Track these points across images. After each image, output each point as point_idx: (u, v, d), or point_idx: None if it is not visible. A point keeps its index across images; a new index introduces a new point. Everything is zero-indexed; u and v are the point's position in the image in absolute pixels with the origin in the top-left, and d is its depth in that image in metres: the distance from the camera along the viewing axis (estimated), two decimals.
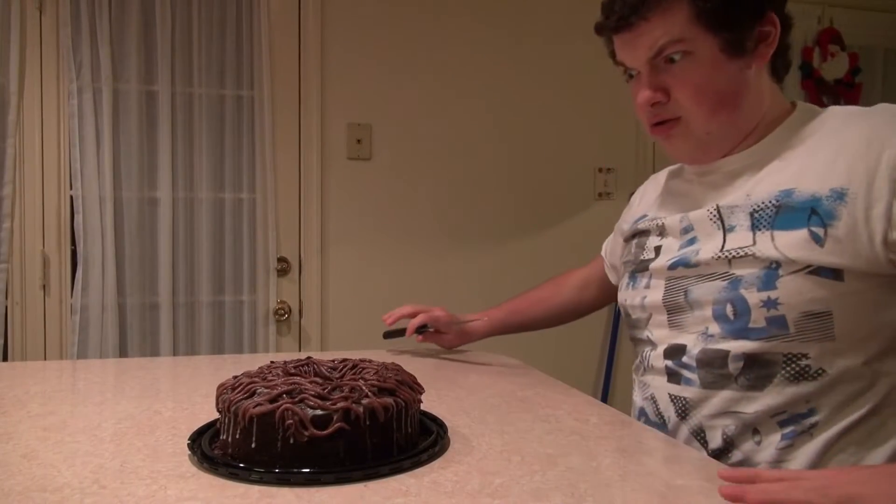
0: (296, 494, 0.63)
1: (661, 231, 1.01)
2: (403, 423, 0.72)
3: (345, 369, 0.80)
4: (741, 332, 0.85)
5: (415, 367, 0.94)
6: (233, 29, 2.30)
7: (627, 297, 1.04)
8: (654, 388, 0.97)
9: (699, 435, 0.89)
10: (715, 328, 0.88)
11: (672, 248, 0.97)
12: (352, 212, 2.43)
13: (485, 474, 0.69)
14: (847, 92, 2.85)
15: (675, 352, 0.93)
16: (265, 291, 2.33)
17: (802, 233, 0.81)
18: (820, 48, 2.79)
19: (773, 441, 0.84)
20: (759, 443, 0.85)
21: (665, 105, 0.91)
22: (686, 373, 0.91)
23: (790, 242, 0.82)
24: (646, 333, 0.99)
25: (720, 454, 0.87)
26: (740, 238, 0.87)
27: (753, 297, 0.83)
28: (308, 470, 0.66)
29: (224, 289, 2.32)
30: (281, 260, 2.36)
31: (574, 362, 2.63)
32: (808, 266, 0.80)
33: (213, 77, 2.28)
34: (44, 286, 2.18)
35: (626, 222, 1.15)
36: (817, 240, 0.80)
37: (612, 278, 1.28)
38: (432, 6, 2.48)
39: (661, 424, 0.95)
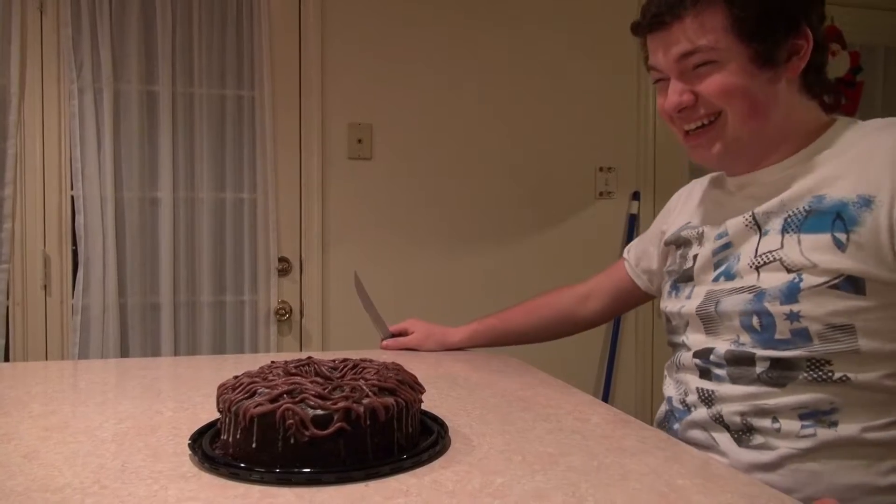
0: (296, 494, 0.63)
1: (700, 240, 1.02)
2: (404, 423, 0.72)
3: (345, 369, 0.80)
4: (769, 343, 0.87)
5: (416, 366, 0.94)
6: (233, 29, 2.30)
7: (668, 304, 1.06)
8: (685, 382, 0.99)
9: (718, 419, 0.92)
10: (745, 338, 0.90)
11: (707, 256, 0.98)
12: (352, 211, 2.44)
13: (486, 474, 0.68)
14: (848, 91, 2.85)
15: (703, 352, 0.95)
16: (266, 291, 2.33)
17: (826, 237, 0.82)
18: None
19: (793, 429, 0.85)
20: (778, 430, 0.86)
21: (695, 108, 0.92)
22: (716, 369, 0.93)
23: (815, 246, 0.83)
24: (682, 338, 1.02)
25: (740, 437, 0.89)
26: (771, 241, 0.88)
27: (777, 309, 0.85)
28: (309, 470, 0.66)
29: (225, 289, 2.32)
30: (282, 260, 2.36)
31: (575, 362, 2.63)
32: (829, 280, 0.81)
33: (214, 77, 2.28)
34: (45, 286, 2.18)
35: (669, 227, 1.14)
36: (839, 245, 0.81)
37: (641, 283, 1.25)
38: (432, 6, 2.48)
39: (684, 411, 0.98)
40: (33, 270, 2.17)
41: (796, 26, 0.88)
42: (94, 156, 2.17)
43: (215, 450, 0.73)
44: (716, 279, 0.95)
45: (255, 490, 0.64)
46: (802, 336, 0.83)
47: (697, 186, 1.14)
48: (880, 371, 0.81)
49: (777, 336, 0.85)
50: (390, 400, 0.71)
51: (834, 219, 0.82)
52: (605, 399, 2.65)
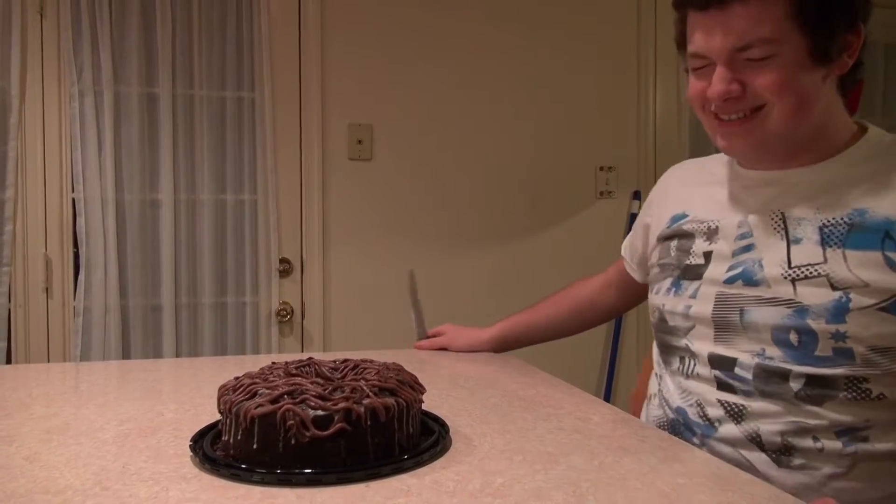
0: (297, 495, 0.63)
1: (711, 235, 0.96)
2: (405, 423, 0.72)
3: (346, 369, 0.80)
4: (805, 359, 0.83)
5: (416, 366, 0.94)
6: (233, 31, 2.30)
7: (667, 302, 0.99)
8: (698, 394, 0.94)
9: (755, 438, 0.87)
10: (775, 352, 0.85)
11: (724, 254, 0.93)
12: (353, 212, 2.44)
13: (486, 474, 0.69)
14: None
15: (723, 363, 0.90)
16: (267, 292, 2.34)
17: (877, 255, 0.80)
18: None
19: (835, 448, 0.82)
20: (821, 450, 0.83)
21: (740, 99, 0.86)
22: (739, 384, 0.89)
23: (864, 263, 0.80)
24: (684, 342, 0.96)
25: (779, 458, 0.85)
26: (808, 253, 0.84)
27: (822, 328, 0.81)
28: (310, 470, 0.66)
29: (226, 290, 2.32)
30: (283, 261, 2.37)
31: (576, 361, 2.63)
32: (880, 301, 0.79)
33: (214, 79, 2.28)
34: (46, 289, 2.18)
35: (654, 220, 1.10)
36: (891, 265, 0.79)
37: (638, 276, 1.21)
38: (432, 7, 2.48)
39: (707, 426, 0.92)
40: (35, 273, 2.17)
41: (853, 21, 0.85)
42: (94, 158, 2.17)
43: (216, 451, 0.73)
44: (730, 281, 0.90)
45: (256, 491, 0.64)
46: (846, 355, 0.81)
47: (689, 175, 1.08)
48: None
49: (818, 353, 0.82)
50: (391, 400, 0.71)
51: (883, 237, 0.80)
52: (607, 399, 2.65)
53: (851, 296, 0.80)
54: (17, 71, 2.11)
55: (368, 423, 0.68)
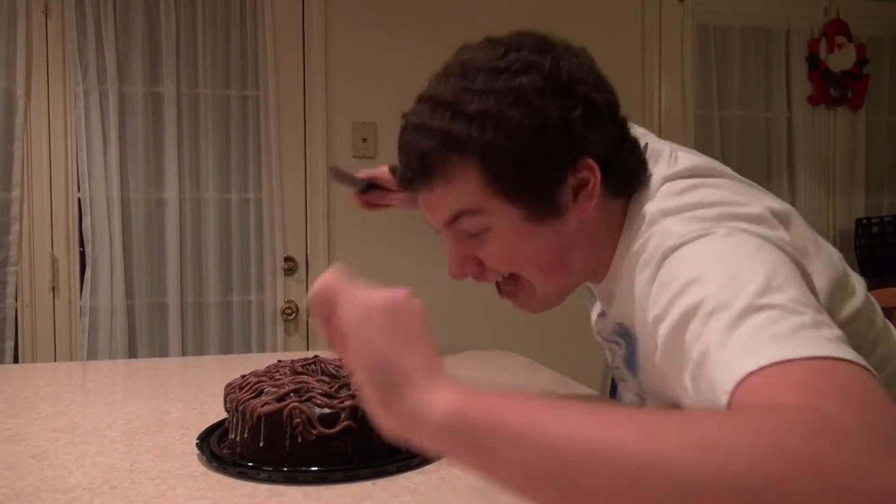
0: (304, 493, 0.63)
1: None
2: None
3: None
4: None
5: None
6: (237, 30, 2.30)
7: None
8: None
9: None
10: None
11: None
12: (358, 210, 2.42)
13: None
14: (854, 83, 2.83)
15: None
16: (272, 291, 2.34)
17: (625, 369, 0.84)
18: (826, 39, 2.77)
19: None
20: None
21: (485, 273, 0.79)
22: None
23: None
24: None
25: None
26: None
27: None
28: (316, 468, 0.66)
29: (232, 289, 2.33)
30: (288, 259, 2.37)
31: (581, 359, 2.63)
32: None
33: (219, 78, 2.29)
34: (53, 288, 2.19)
35: None
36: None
37: None
38: (437, 5, 2.48)
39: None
40: (41, 272, 2.18)
41: (573, 164, 0.72)
42: (100, 157, 2.17)
43: (223, 449, 0.73)
44: None
45: (263, 489, 0.64)
46: None
47: None
48: None
49: None
50: None
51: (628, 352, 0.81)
52: (612, 395, 2.64)
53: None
54: (23, 71, 2.12)
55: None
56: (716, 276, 0.59)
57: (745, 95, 2.75)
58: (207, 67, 2.27)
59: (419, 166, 0.73)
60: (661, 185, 0.74)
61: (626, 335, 0.79)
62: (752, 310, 0.54)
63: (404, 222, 2.48)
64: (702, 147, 2.67)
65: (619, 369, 0.87)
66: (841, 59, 2.79)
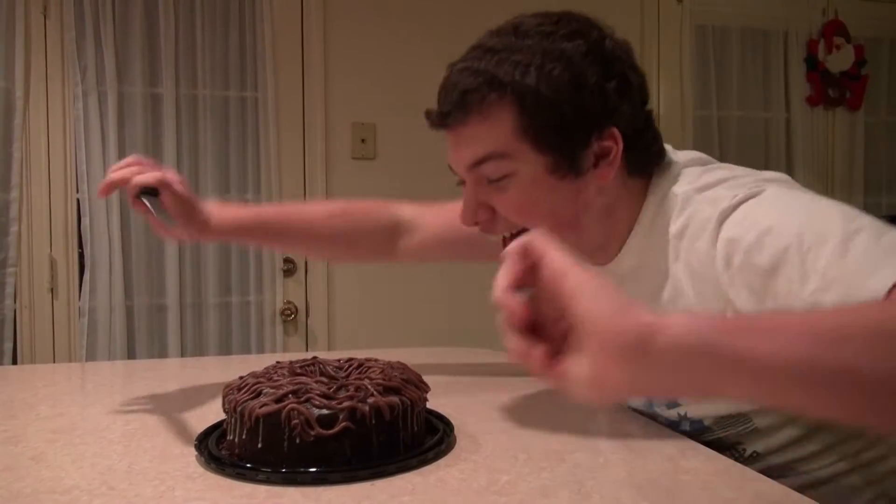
0: (302, 494, 0.63)
1: None
2: (409, 422, 0.72)
3: (350, 368, 0.80)
4: (682, 432, 0.84)
5: (420, 365, 0.94)
6: (236, 30, 2.30)
7: None
8: None
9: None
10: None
11: None
12: None
13: (491, 472, 0.69)
14: (853, 84, 2.84)
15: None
16: (272, 292, 2.34)
17: None
18: (825, 40, 2.78)
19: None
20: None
21: (495, 223, 0.82)
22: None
23: None
24: None
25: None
26: None
27: (666, 412, 0.84)
28: (314, 469, 0.66)
29: (231, 290, 2.33)
30: (287, 260, 2.37)
31: None
32: None
33: (217, 79, 2.29)
34: (52, 289, 2.19)
35: None
36: None
37: None
38: (436, 5, 2.48)
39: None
40: (40, 273, 2.18)
41: (599, 130, 0.76)
42: (99, 158, 2.17)
43: (221, 450, 0.73)
44: None
45: (262, 490, 0.64)
46: (703, 429, 0.82)
47: None
48: (780, 438, 0.79)
49: (682, 429, 0.83)
50: (395, 399, 0.71)
51: None
52: None
53: None
54: (21, 72, 2.12)
55: (373, 421, 0.69)
56: (790, 222, 0.64)
57: (743, 96, 2.76)
58: (206, 68, 2.27)
59: (459, 101, 0.77)
60: (682, 170, 0.81)
61: None
62: (850, 235, 0.58)
63: None
64: (700, 147, 2.67)
65: None
66: (839, 60, 2.79)
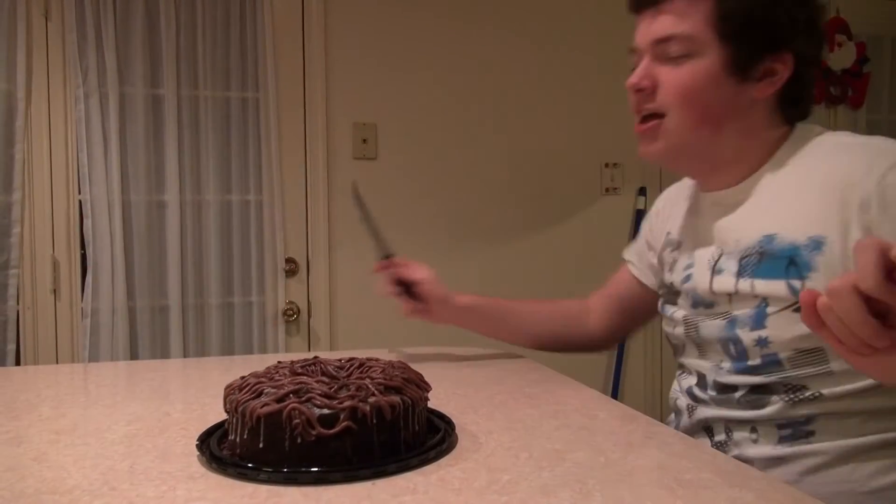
0: (304, 493, 0.63)
1: (673, 265, 1.01)
2: (410, 421, 0.72)
3: (351, 368, 0.80)
4: (745, 369, 0.87)
5: (421, 364, 0.94)
6: (237, 31, 2.31)
7: (665, 324, 1.05)
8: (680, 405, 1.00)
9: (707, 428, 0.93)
10: (727, 363, 0.89)
11: (677, 281, 0.98)
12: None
13: (492, 471, 0.68)
14: (855, 81, 2.83)
15: (700, 379, 0.95)
16: (273, 292, 2.34)
17: (780, 284, 0.81)
18: (827, 38, 2.77)
19: (771, 439, 0.85)
20: (755, 441, 0.86)
21: (650, 97, 0.89)
22: (702, 394, 0.94)
23: (769, 292, 0.82)
24: (680, 360, 1.02)
25: (721, 445, 0.90)
26: (724, 282, 0.88)
27: (747, 336, 0.85)
28: (316, 469, 0.66)
29: (233, 290, 2.33)
30: (289, 261, 2.37)
31: (583, 358, 2.62)
32: (795, 303, 0.80)
33: (219, 80, 2.29)
34: (54, 290, 2.20)
35: (653, 237, 1.12)
36: (795, 292, 0.80)
37: (649, 281, 1.15)
38: (436, 5, 2.48)
39: (678, 412, 1.00)
40: (42, 274, 2.18)
41: (778, 46, 0.85)
42: (100, 160, 2.18)
43: (223, 450, 0.73)
44: (692, 303, 0.95)
45: (263, 490, 0.64)
46: (775, 362, 0.83)
47: (683, 191, 1.07)
48: (854, 384, 0.80)
49: (750, 362, 0.85)
50: (396, 398, 0.71)
51: (787, 265, 0.80)
52: (614, 396, 2.64)
53: (769, 300, 0.83)
54: (23, 74, 2.12)
55: (374, 421, 0.68)
56: None
57: None
58: (207, 69, 2.27)
59: None
60: (824, 130, 0.89)
61: (769, 250, 0.83)
62: None
63: (405, 223, 2.48)
64: None
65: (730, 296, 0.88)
66: (841, 58, 2.79)
